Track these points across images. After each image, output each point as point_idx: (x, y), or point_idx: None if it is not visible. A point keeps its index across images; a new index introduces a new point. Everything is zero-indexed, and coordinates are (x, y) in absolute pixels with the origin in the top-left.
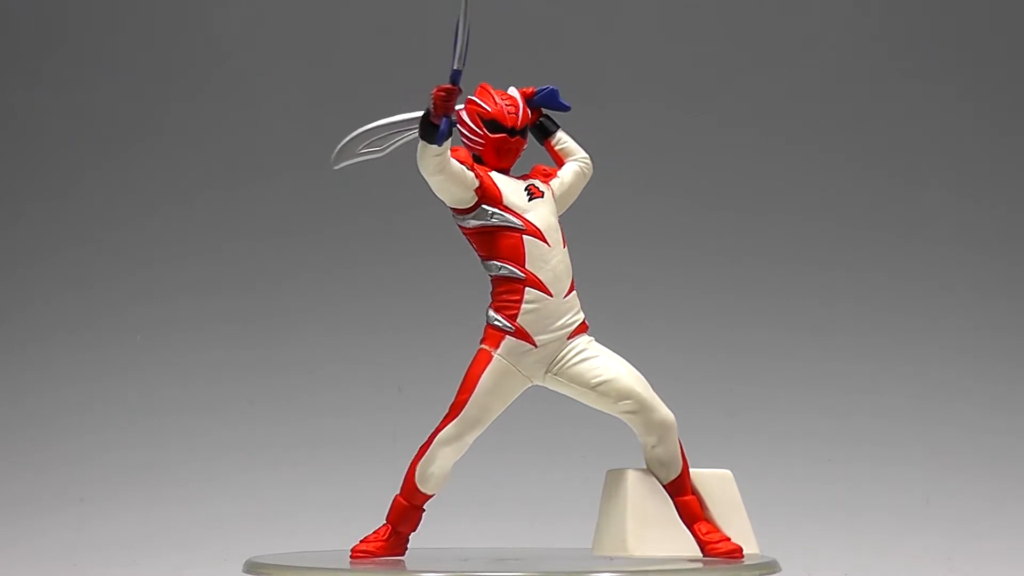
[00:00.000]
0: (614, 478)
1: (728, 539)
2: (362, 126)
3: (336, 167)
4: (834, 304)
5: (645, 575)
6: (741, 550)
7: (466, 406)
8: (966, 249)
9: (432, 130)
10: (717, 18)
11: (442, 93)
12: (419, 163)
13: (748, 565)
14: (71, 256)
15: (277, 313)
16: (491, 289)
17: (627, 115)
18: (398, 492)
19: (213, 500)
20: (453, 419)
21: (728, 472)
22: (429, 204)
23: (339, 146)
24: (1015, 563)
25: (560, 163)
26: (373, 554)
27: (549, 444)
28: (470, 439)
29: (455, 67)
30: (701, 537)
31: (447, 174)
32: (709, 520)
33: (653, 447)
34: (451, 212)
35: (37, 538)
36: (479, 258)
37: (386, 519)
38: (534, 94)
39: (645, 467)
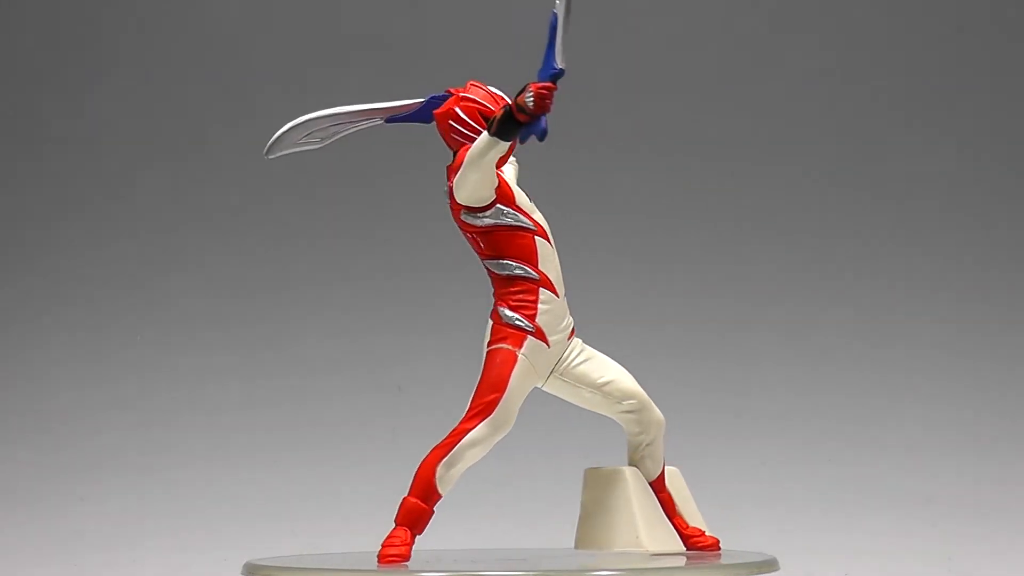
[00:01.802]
0: (607, 476)
1: (703, 533)
2: (300, 116)
3: (270, 157)
4: (836, 304)
5: (646, 574)
6: (719, 543)
7: (498, 406)
8: (968, 250)
9: (514, 127)
10: (718, 16)
11: (544, 91)
12: (478, 159)
13: (747, 563)
14: (71, 255)
15: (277, 313)
16: (496, 288)
17: (627, 113)
18: (409, 494)
19: (213, 500)
20: (484, 420)
21: (676, 468)
22: (428, 202)
23: (275, 136)
24: (1015, 563)
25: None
26: (405, 557)
27: (548, 443)
28: (497, 440)
29: (559, 66)
30: (683, 531)
31: (491, 172)
32: (680, 515)
33: (648, 445)
34: (457, 209)
35: (37, 538)
36: (482, 256)
37: (398, 522)
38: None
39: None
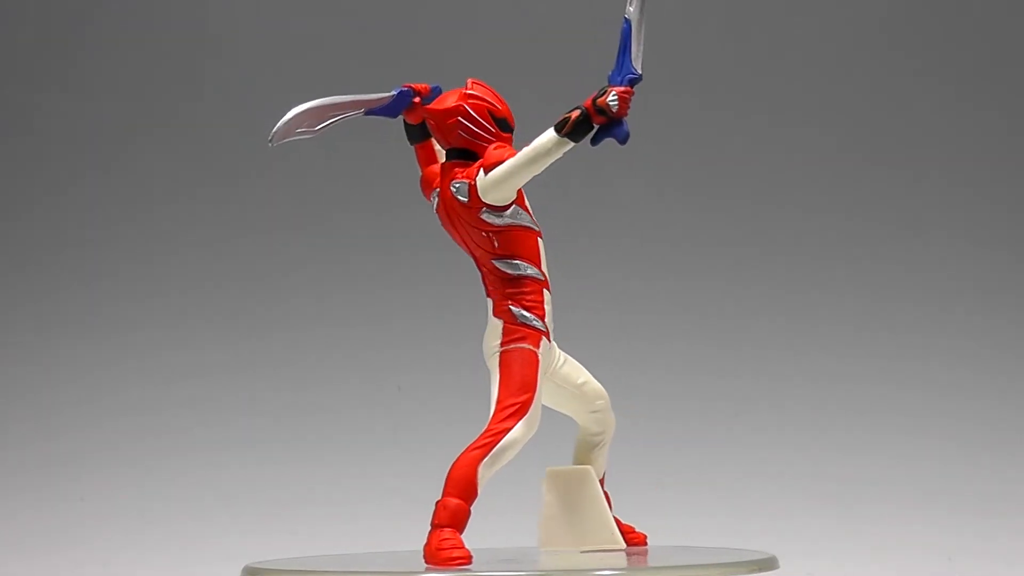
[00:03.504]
0: (575, 476)
1: (634, 529)
2: (302, 104)
3: (274, 144)
4: (837, 302)
5: (647, 573)
6: (646, 538)
7: (532, 406)
8: (969, 246)
9: (588, 130)
10: (719, 12)
11: (627, 96)
12: (543, 159)
13: (747, 562)
14: (71, 254)
15: (277, 312)
16: (502, 288)
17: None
18: (450, 496)
19: (213, 500)
20: (520, 419)
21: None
22: (427, 202)
23: (279, 124)
24: (1015, 563)
25: (434, 163)
26: (469, 558)
27: (546, 442)
28: (528, 439)
29: (638, 71)
30: (620, 527)
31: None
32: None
33: (602, 445)
34: (478, 208)
35: (37, 537)
36: (493, 255)
37: (443, 523)
38: (430, 92)
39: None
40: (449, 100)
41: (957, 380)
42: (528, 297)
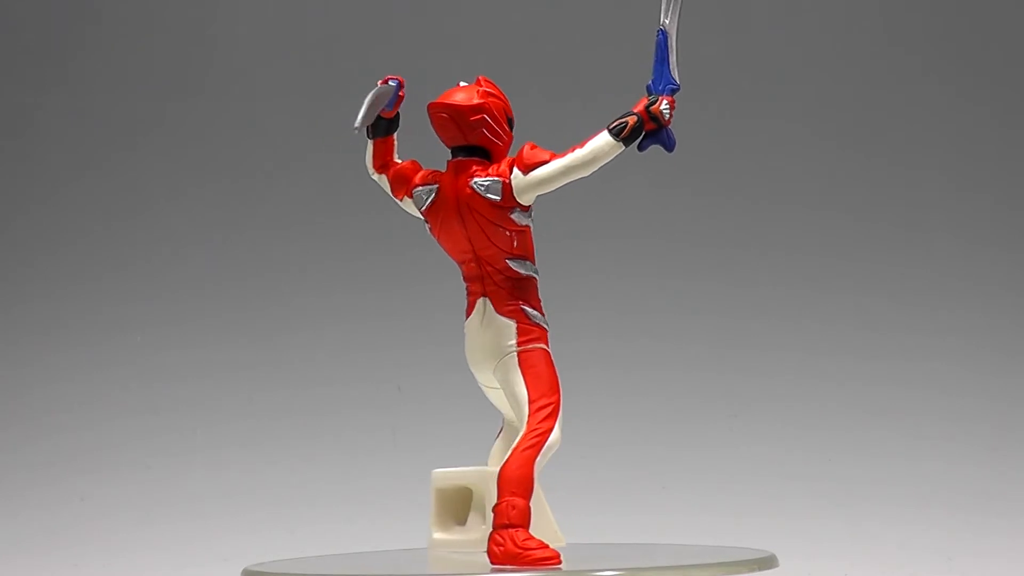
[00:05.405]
0: None
1: None
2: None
3: (358, 132)
4: (837, 302)
5: (647, 573)
6: None
7: (561, 407)
8: (969, 246)
9: (637, 136)
10: (716, 13)
11: (674, 104)
12: (601, 160)
13: (747, 561)
14: (71, 255)
15: (277, 312)
16: (508, 288)
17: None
18: (515, 496)
19: (212, 500)
20: (557, 419)
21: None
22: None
23: (363, 110)
24: (1015, 563)
25: (390, 160)
26: (559, 557)
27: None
28: None
29: (678, 82)
30: None
31: None
32: None
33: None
34: (510, 207)
35: (37, 537)
36: (508, 255)
37: (513, 523)
38: (402, 86)
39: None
40: (463, 96)
41: (957, 380)
42: (536, 297)
